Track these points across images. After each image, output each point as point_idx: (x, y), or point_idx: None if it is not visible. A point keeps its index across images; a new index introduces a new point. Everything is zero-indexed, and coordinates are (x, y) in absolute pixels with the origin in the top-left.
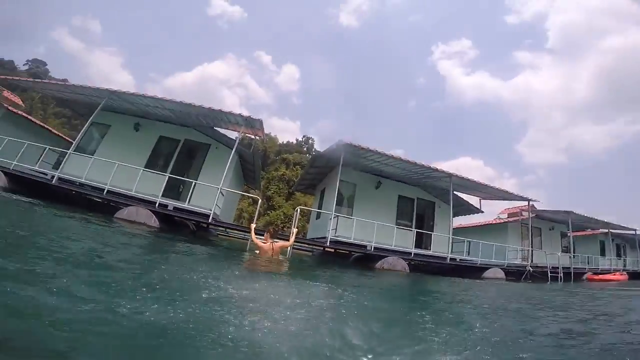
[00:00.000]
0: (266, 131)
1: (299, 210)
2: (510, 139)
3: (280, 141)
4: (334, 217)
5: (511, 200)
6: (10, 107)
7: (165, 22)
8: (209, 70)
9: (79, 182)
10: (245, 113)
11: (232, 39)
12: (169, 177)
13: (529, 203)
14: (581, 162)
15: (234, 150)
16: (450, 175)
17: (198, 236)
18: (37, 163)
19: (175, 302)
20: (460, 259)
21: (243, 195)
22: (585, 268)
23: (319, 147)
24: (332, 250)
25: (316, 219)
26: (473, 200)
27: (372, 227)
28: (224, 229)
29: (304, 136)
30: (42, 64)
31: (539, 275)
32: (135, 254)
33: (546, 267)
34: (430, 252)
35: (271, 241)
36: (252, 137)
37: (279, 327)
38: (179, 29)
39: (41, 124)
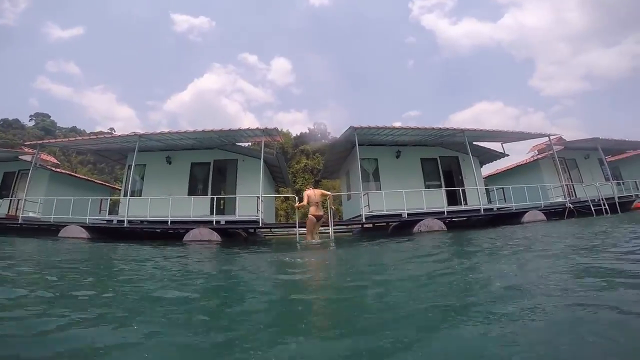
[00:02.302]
0: (276, 127)
1: (331, 197)
2: (522, 77)
3: (293, 134)
4: (363, 195)
5: (531, 138)
6: (54, 169)
7: (138, 49)
8: (202, 85)
9: (140, 220)
10: (251, 119)
11: (210, 49)
12: (215, 198)
13: (549, 138)
14: (607, 84)
15: (262, 160)
16: (462, 130)
17: (251, 241)
18: (99, 212)
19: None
20: (497, 208)
21: (277, 196)
22: (632, 195)
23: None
24: (371, 225)
25: (348, 200)
26: (496, 146)
27: (401, 195)
28: (269, 229)
29: (314, 124)
30: (46, 117)
31: (583, 210)
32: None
33: (587, 201)
34: (463, 207)
35: (312, 188)
36: (272, 142)
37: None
38: (155, 53)
39: (85, 177)
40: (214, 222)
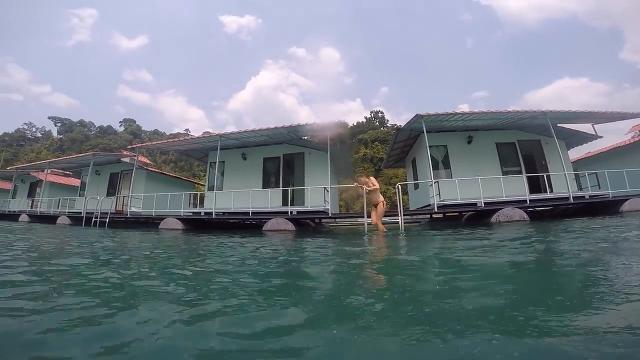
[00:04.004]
0: (332, 118)
1: (399, 187)
2: (609, 50)
3: (350, 124)
4: (433, 184)
5: (630, 118)
6: (149, 168)
7: (197, 53)
8: (259, 82)
9: (222, 212)
10: (307, 111)
11: (261, 46)
12: (288, 189)
13: None
14: None
15: (329, 153)
16: (544, 112)
17: (318, 230)
18: (189, 205)
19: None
20: (589, 196)
21: (345, 187)
22: None
23: (390, 117)
24: (441, 215)
25: (415, 189)
26: (585, 127)
27: (473, 183)
28: (333, 219)
29: (371, 112)
30: (132, 122)
31: None
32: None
33: None
34: (548, 195)
35: (366, 178)
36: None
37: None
38: (213, 55)
39: (174, 175)
40: (289, 213)
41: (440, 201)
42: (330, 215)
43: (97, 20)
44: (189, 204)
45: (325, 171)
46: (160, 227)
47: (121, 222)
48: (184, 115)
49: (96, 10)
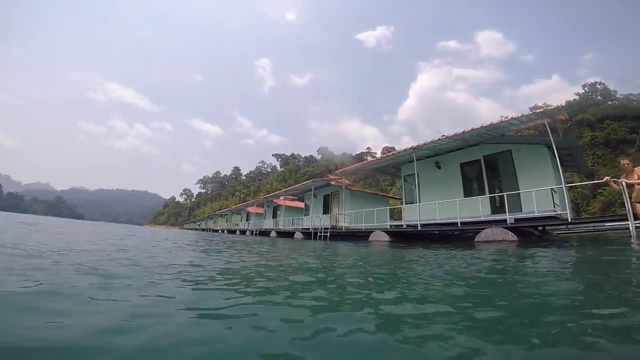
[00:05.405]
0: (525, 105)
1: None
2: None
3: (553, 105)
4: None
5: None
6: (352, 188)
7: (353, 73)
8: (420, 87)
9: (426, 223)
10: (488, 103)
11: (406, 51)
12: (496, 195)
13: None
14: None
15: (554, 145)
16: None
17: (546, 239)
18: (388, 220)
19: None
20: None
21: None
22: None
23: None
24: None
25: None
26: None
27: None
28: (565, 226)
29: (583, 85)
30: (325, 149)
31: None
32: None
33: None
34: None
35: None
36: (553, 123)
37: None
38: (367, 72)
39: (372, 192)
40: (507, 221)
41: None
42: (563, 220)
43: (272, 67)
44: (389, 217)
45: (544, 168)
46: (370, 239)
47: (337, 235)
48: (361, 135)
49: (269, 59)
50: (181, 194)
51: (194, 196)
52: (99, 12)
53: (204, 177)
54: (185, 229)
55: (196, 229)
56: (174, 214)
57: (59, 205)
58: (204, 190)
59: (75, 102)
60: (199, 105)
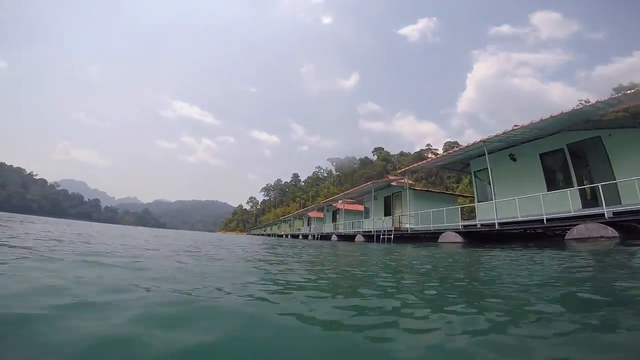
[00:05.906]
0: (604, 85)
1: None
2: None
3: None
4: None
5: None
6: (415, 188)
7: (402, 70)
8: (478, 76)
9: (504, 222)
10: (558, 87)
11: (455, 41)
12: (584, 187)
13: None
14: None
15: None
16: None
17: None
18: (459, 220)
19: None
20: None
21: None
22: None
23: None
24: None
25: None
26: None
27: None
28: None
29: None
30: (380, 149)
31: None
32: None
33: None
34: None
35: None
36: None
37: None
38: (416, 67)
39: (437, 191)
40: (604, 215)
41: None
42: None
43: (316, 72)
44: (460, 217)
45: None
46: (439, 240)
47: (401, 237)
48: (418, 131)
49: (313, 64)
50: (247, 202)
51: (259, 203)
52: (158, 33)
53: (267, 184)
54: (253, 234)
55: (262, 234)
56: (242, 220)
57: (145, 216)
58: (267, 198)
59: (149, 120)
60: (256, 117)
